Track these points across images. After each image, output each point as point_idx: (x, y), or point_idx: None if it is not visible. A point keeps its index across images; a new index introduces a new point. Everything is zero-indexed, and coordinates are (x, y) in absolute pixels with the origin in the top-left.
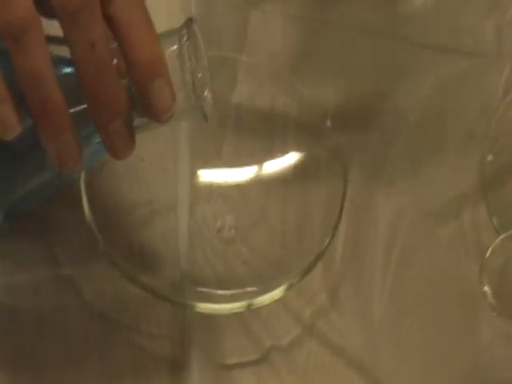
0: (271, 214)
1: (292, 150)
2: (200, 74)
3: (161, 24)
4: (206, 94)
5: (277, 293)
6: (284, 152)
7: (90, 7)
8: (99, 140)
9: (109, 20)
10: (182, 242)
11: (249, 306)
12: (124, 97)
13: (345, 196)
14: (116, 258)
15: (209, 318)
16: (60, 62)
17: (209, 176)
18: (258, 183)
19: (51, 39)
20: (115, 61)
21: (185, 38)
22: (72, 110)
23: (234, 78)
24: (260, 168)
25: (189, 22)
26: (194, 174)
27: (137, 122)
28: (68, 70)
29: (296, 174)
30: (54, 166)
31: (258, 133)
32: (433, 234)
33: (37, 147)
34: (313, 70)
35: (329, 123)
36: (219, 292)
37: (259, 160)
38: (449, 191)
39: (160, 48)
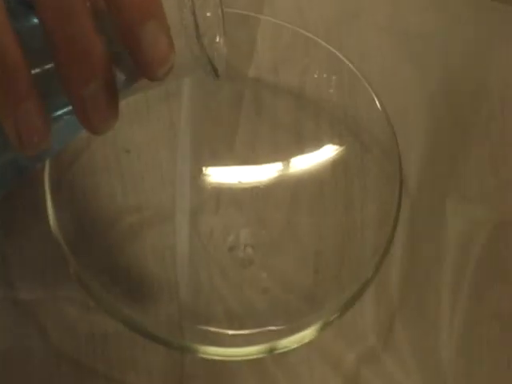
0: (301, 228)
1: (329, 141)
2: (209, 13)
3: None
4: (217, 40)
5: (308, 333)
6: (318, 144)
7: None
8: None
9: None
10: (181, 263)
11: (271, 351)
12: (101, 49)
13: (400, 205)
14: (92, 284)
15: (216, 365)
16: (18, 7)
17: (217, 175)
18: (283, 186)
19: None
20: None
21: None
22: (35, 71)
23: (253, 44)
24: (286, 166)
25: None
26: (197, 173)
27: (121, 82)
28: (31, 17)
29: (334, 174)
30: (14, 145)
31: (283, 117)
32: None
33: None
34: (359, 35)
35: (379, 107)
36: (230, 332)
37: (284, 155)
38: None
39: None
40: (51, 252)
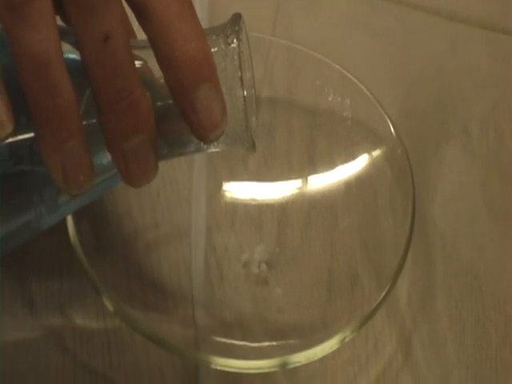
0: (316, 246)
1: (342, 162)
2: (245, 92)
3: None
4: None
5: (322, 349)
6: (331, 164)
7: None
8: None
9: (138, 9)
10: (196, 278)
11: (283, 365)
12: (147, 107)
13: (413, 226)
14: (110, 296)
15: (229, 377)
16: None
17: (232, 192)
18: (297, 204)
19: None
20: (139, 63)
21: (234, 39)
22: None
23: (266, 65)
24: (299, 184)
25: (237, 18)
26: (213, 190)
27: (166, 142)
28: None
29: (347, 194)
30: (59, 185)
31: (296, 137)
32: None
33: (20, 173)
34: (373, 57)
35: (392, 130)
36: (244, 344)
37: (298, 173)
38: None
39: (208, 44)
40: (68, 263)
